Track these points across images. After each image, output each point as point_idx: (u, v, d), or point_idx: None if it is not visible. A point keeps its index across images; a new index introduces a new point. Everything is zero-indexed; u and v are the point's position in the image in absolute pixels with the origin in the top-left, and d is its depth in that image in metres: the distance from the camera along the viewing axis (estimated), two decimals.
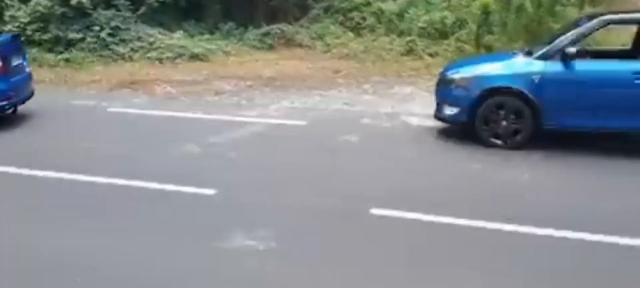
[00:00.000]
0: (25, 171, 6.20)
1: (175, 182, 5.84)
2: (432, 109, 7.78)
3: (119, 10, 13.77)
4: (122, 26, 13.63)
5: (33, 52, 12.88)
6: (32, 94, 8.95)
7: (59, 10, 13.27)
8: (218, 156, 6.95)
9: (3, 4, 13.39)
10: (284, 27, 14.70)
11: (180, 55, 13.15)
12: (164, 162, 6.68)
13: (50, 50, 13.11)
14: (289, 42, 14.49)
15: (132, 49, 13.40)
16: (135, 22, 13.92)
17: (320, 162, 6.76)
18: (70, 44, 13.21)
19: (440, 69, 8.52)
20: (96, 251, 4.52)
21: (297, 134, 8.08)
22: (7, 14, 13.32)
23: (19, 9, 13.45)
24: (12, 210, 5.32)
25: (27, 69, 9.01)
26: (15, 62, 8.50)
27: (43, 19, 13.27)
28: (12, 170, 6.24)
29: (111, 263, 4.33)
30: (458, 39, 13.29)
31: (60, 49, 13.14)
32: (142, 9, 13.98)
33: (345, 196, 5.58)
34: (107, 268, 4.26)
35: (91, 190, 5.79)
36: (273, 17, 15.05)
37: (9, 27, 13.13)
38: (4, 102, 8.13)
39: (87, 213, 5.28)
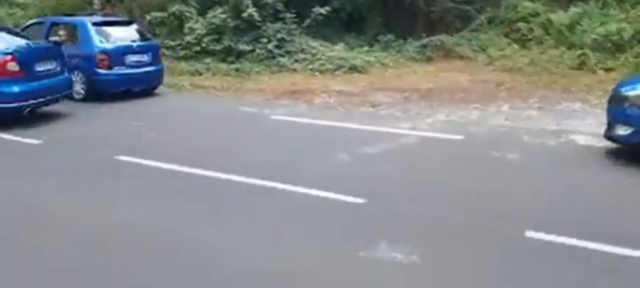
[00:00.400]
0: (195, 170, 6.66)
1: (327, 188, 5.94)
2: (603, 128, 7.16)
3: (285, 23, 14.46)
4: (288, 38, 14.30)
5: (207, 61, 13.99)
6: (69, 94, 9.85)
7: (232, 23, 14.25)
8: (370, 166, 6.98)
9: (183, 17, 14.66)
10: (444, 38, 14.47)
11: (339, 67, 13.48)
12: (318, 169, 6.84)
13: (223, 60, 14.10)
14: (449, 54, 14.24)
15: (295, 60, 14.00)
16: (300, 34, 14.53)
17: (474, 178, 6.50)
18: (240, 55, 14.11)
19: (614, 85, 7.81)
20: (243, 248, 4.72)
21: (452, 148, 7.86)
22: (187, 25, 14.56)
23: (197, 21, 14.65)
24: (177, 206, 5.75)
25: (65, 73, 9.79)
26: (42, 66, 9.25)
27: (217, 31, 14.33)
28: (181, 168, 6.75)
29: (257, 261, 4.49)
30: (637, 54, 12.13)
31: (232, 59, 14.08)
32: (307, 22, 14.56)
33: (499, 216, 5.30)
34: (252, 265, 4.42)
35: (247, 191, 6.08)
36: (433, 28, 14.90)
37: (187, 38, 14.35)
38: (22, 103, 8.80)
39: (241, 211, 5.54)
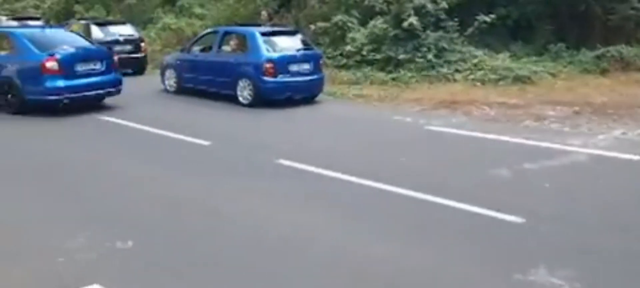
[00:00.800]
0: (350, 177, 6.71)
1: (481, 204, 5.69)
2: None
3: (447, 31, 14.17)
4: (448, 47, 13.98)
5: (366, 70, 14.09)
6: (115, 92, 11.18)
7: (392, 32, 14.23)
8: (530, 184, 6.57)
9: (345, 27, 14.94)
10: (623, 49, 13.28)
11: (503, 77, 12.90)
12: (475, 184, 6.57)
13: (381, 70, 14.11)
14: (628, 66, 13.05)
15: (456, 70, 13.64)
16: (462, 43, 14.15)
17: None
18: (399, 64, 14.02)
19: None
20: (397, 260, 4.65)
21: (628, 168, 7.17)
22: (349, 35, 14.81)
23: (359, 31, 14.85)
24: (333, 212, 5.82)
25: (112, 73, 11.18)
26: (85, 66, 10.74)
27: (377, 41, 14.39)
28: (336, 174, 6.84)
29: (412, 275, 4.41)
30: None
31: (390, 68, 14.03)
32: (469, 30, 14.13)
33: None
34: (406, 279, 4.35)
35: (401, 202, 6.01)
36: (610, 38, 13.74)
37: (348, 47, 14.60)
38: (61, 96, 10.29)
39: (395, 222, 5.48)
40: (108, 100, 11.52)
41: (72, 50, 10.88)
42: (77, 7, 22.92)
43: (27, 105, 10.38)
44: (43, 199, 6.16)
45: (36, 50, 10.50)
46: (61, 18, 22.07)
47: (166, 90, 13.02)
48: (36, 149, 8.31)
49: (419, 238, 5.12)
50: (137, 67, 16.21)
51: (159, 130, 9.23)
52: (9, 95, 10.52)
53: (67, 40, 11.45)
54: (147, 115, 10.38)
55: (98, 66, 10.99)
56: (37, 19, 20.65)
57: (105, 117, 10.26)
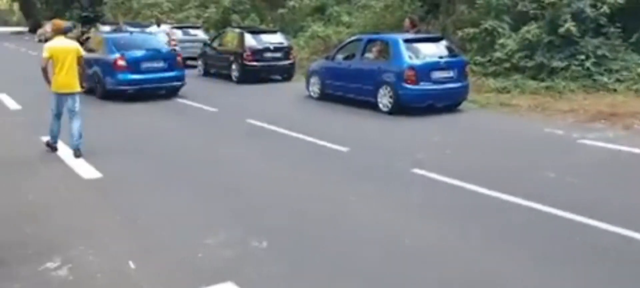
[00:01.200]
0: (487, 191, 6.41)
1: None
2: None
3: (608, 38, 13.11)
4: (609, 55, 12.92)
5: (516, 78, 13.41)
6: (178, 86, 13.84)
7: (546, 38, 13.44)
8: None
9: (495, 33, 14.33)
10: None
11: None
12: (631, 206, 5.95)
13: (533, 78, 13.36)
14: None
15: (617, 80, 12.58)
16: (625, 50, 13.00)
17: None
18: (552, 72, 13.19)
19: None
20: (529, 280, 4.36)
21: None
22: (498, 41, 14.19)
23: (510, 37, 14.17)
24: (463, 225, 5.59)
25: (174, 71, 13.69)
26: (149, 64, 13.33)
27: (530, 47, 13.65)
28: (473, 187, 6.55)
29: None
30: None
31: (543, 76, 13.24)
32: (635, 37, 12.93)
33: None
34: None
35: (541, 220, 5.61)
36: None
37: (498, 54, 13.98)
38: (127, 87, 13.06)
39: (532, 239, 5.13)
40: (254, 105, 12.01)
41: (142, 51, 13.63)
42: (234, 16, 24.32)
43: (107, 92, 13.22)
44: (188, 195, 6.55)
45: (115, 50, 13.33)
46: (219, 26, 23.57)
47: (310, 96, 13.37)
48: (184, 148, 8.89)
49: (565, 263, 4.71)
50: (286, 74, 16.86)
51: (299, 135, 9.46)
52: (98, 84, 13.40)
53: (145, 43, 14.35)
54: (290, 120, 10.69)
55: (162, 64, 13.63)
56: (197, 27, 22.26)
57: (251, 121, 10.73)
